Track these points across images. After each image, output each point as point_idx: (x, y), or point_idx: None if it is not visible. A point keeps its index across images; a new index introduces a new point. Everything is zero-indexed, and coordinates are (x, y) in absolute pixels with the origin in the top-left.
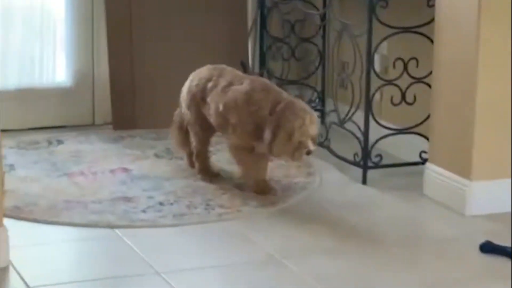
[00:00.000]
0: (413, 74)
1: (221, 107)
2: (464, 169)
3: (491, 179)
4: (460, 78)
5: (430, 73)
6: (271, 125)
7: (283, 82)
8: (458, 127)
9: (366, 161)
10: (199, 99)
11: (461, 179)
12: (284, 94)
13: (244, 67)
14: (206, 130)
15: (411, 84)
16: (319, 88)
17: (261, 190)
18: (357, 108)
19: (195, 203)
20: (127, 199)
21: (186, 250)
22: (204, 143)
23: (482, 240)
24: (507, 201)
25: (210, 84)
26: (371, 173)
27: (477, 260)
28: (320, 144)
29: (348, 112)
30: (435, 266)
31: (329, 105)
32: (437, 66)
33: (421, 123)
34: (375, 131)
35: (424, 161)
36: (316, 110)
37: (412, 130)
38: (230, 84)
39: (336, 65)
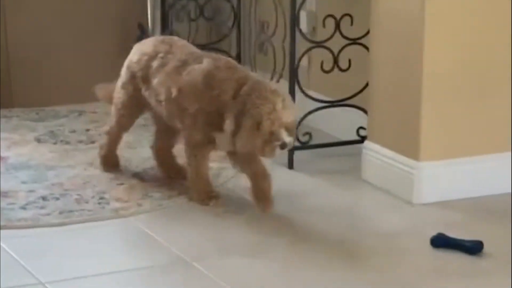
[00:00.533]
0: (347, 35)
1: (174, 92)
2: (410, 148)
3: (443, 159)
4: (403, 39)
5: (367, 33)
6: (233, 112)
7: None
8: (403, 98)
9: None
10: (139, 80)
11: (408, 160)
12: (252, 74)
13: (143, 31)
14: (133, 116)
15: (344, 46)
16: (233, 53)
17: (203, 200)
18: (280, 76)
19: (85, 197)
20: (3, 194)
21: (76, 254)
22: (124, 129)
23: (433, 232)
24: (465, 184)
25: (155, 63)
26: (298, 155)
27: (428, 257)
28: None
29: (270, 81)
30: (378, 265)
31: None
32: (375, 25)
33: (358, 93)
34: (302, 104)
35: (362, 140)
36: None
37: (347, 102)
38: (184, 63)
39: (254, 25)
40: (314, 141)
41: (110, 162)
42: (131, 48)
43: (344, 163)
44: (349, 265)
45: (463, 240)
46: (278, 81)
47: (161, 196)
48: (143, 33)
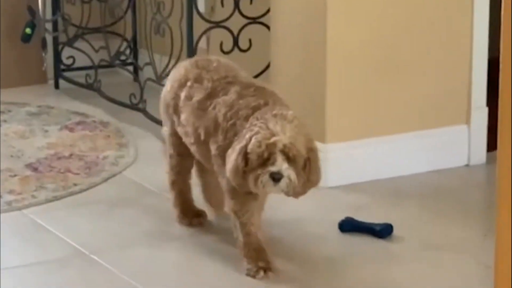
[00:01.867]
0: (246, 14)
1: (202, 135)
2: (316, 131)
3: (350, 140)
4: (305, 18)
5: (268, 11)
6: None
7: (84, 31)
8: (307, 79)
9: None
10: (172, 112)
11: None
12: (277, 100)
13: (32, 14)
14: (185, 156)
15: (244, 26)
16: (129, 36)
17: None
18: (178, 59)
19: None
20: None
21: None
22: (182, 173)
23: (341, 217)
24: (373, 166)
25: (183, 92)
26: None
27: (337, 242)
28: (134, 107)
29: (167, 64)
30: (286, 252)
31: (143, 57)
32: (276, 3)
33: (260, 74)
34: None
35: None
36: (126, 64)
37: None
38: (211, 95)
39: (149, 5)
40: None
41: (190, 215)
42: (20, 32)
43: None
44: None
45: (372, 224)
46: (175, 64)
47: (56, 187)
48: (33, 17)
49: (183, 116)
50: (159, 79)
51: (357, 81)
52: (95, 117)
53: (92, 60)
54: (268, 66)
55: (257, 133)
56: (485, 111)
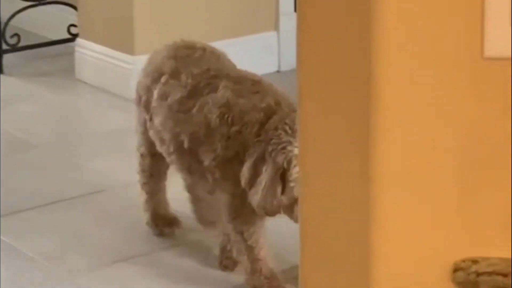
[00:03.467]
0: None
1: (186, 143)
2: (125, 43)
3: None
4: None
5: None
6: (252, 156)
7: None
8: None
9: (0, 44)
10: (143, 109)
11: (123, 56)
12: (287, 100)
13: None
14: (160, 157)
15: None
16: None
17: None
18: None
19: None
20: None
21: None
22: (155, 176)
23: None
24: None
25: (157, 90)
26: (8, 59)
27: None
28: None
29: None
30: (101, 165)
31: None
32: None
33: None
34: (7, 5)
35: (74, 37)
36: None
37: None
38: (192, 92)
39: None
40: (23, 43)
41: (164, 221)
42: None
43: (57, 63)
44: (69, 167)
45: None
46: None
47: None
48: None
49: (157, 120)
50: None
51: None
52: None
53: None
54: None
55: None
56: (293, 17)
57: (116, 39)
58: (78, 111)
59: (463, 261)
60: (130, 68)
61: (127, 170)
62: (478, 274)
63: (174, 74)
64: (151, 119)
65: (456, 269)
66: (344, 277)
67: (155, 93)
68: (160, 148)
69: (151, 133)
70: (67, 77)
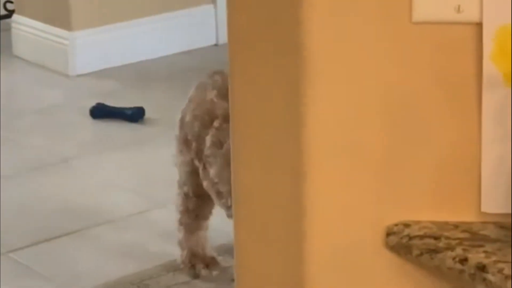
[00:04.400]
0: None
1: None
2: (61, 18)
3: (96, 26)
4: None
5: None
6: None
7: None
8: None
9: None
10: (194, 155)
11: (60, 31)
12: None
13: None
14: (206, 198)
15: None
16: None
17: None
18: None
19: None
20: None
21: None
22: (200, 217)
23: (92, 103)
24: (120, 51)
25: (209, 136)
26: None
27: (89, 128)
28: None
29: None
30: (41, 141)
31: None
32: None
33: None
34: None
35: (10, 14)
36: None
37: None
38: None
39: None
40: None
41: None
42: None
43: None
44: (10, 145)
45: (123, 108)
46: None
47: None
48: None
49: (212, 171)
50: None
51: None
52: None
53: None
54: None
55: None
56: None
57: (53, 15)
58: (15, 87)
59: (396, 225)
60: (67, 43)
61: (66, 146)
62: (410, 238)
63: (228, 117)
64: (204, 168)
65: (388, 234)
66: (278, 248)
67: (208, 140)
68: (218, 202)
69: (205, 184)
70: (4, 53)
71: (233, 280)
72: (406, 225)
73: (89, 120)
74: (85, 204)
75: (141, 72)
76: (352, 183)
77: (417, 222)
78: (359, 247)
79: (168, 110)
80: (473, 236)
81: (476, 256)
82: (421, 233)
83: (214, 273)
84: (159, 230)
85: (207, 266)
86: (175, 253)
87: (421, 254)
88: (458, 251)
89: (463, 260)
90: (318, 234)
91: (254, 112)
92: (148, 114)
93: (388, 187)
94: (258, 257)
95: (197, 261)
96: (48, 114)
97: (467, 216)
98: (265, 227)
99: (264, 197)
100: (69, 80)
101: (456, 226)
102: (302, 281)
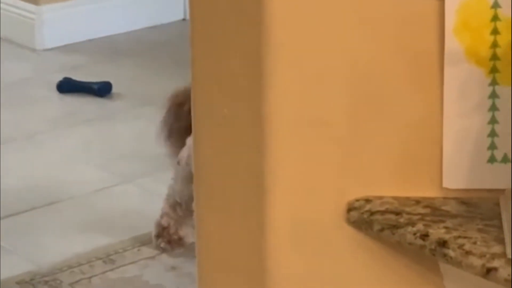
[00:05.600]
0: None
1: None
2: None
3: (63, 1)
4: None
5: None
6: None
7: None
8: None
9: None
10: None
11: (27, 5)
12: None
13: None
14: None
15: None
16: None
17: None
18: None
19: None
20: None
21: None
22: None
23: (59, 78)
24: (87, 26)
25: None
26: None
27: (56, 103)
28: None
29: None
30: (7, 116)
31: None
32: None
33: None
34: None
35: None
36: None
37: None
38: None
39: None
40: None
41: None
42: None
43: None
44: None
45: (91, 83)
46: None
47: None
48: None
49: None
50: None
51: None
52: None
53: None
54: None
55: None
56: None
57: None
58: None
59: (357, 200)
60: (34, 18)
61: (32, 120)
62: (372, 213)
63: None
64: None
65: (350, 209)
66: (239, 221)
67: None
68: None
69: None
70: None
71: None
72: (368, 200)
73: (56, 94)
74: (52, 179)
75: (108, 47)
76: (314, 157)
77: (379, 198)
78: (320, 221)
79: (136, 85)
80: (434, 211)
81: (437, 232)
82: (382, 208)
83: (177, 250)
84: (125, 205)
85: (169, 242)
86: (141, 227)
87: (382, 229)
88: (419, 226)
89: (424, 236)
90: (279, 206)
91: (214, 84)
92: (115, 89)
93: (350, 162)
94: (218, 229)
95: (163, 235)
96: (15, 88)
97: (429, 191)
98: (226, 200)
99: (225, 170)
100: (36, 55)
101: (417, 201)
102: (262, 254)
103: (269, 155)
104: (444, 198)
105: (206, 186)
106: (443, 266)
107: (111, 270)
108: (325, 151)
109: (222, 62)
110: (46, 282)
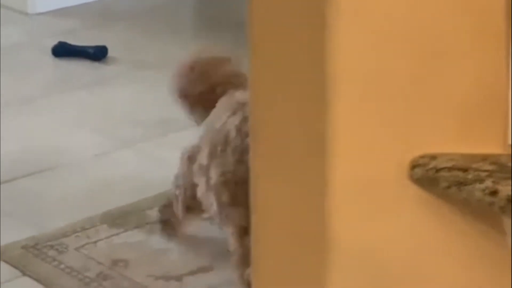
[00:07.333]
0: None
1: None
2: None
3: None
4: None
5: None
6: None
7: None
8: None
9: None
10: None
11: None
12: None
13: None
14: None
15: None
16: None
17: None
18: None
19: None
20: None
21: None
22: None
23: (53, 42)
24: None
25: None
26: None
27: (51, 67)
28: None
29: None
30: (2, 81)
31: None
32: None
33: None
34: None
35: None
36: None
37: None
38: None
39: None
40: None
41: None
42: None
43: None
44: None
45: (86, 47)
46: None
47: None
48: None
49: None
50: None
51: None
52: None
53: None
54: None
55: None
56: None
57: None
58: None
59: (421, 157)
60: None
61: (28, 85)
62: (437, 170)
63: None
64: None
65: (414, 166)
66: (300, 180)
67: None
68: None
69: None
70: None
71: None
72: (433, 157)
73: (51, 59)
74: (50, 144)
75: (102, 11)
76: (377, 114)
77: (444, 155)
78: (382, 180)
79: (131, 49)
80: (502, 168)
81: (506, 189)
82: (449, 165)
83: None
84: (124, 170)
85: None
86: (140, 192)
87: (449, 186)
88: (488, 183)
89: (493, 192)
90: (341, 165)
91: (275, 44)
92: (110, 53)
93: (413, 119)
94: (277, 189)
95: (168, 217)
96: (9, 53)
97: (494, 148)
98: (286, 158)
99: (285, 127)
100: (29, 19)
101: (484, 158)
102: (324, 214)
103: (331, 112)
104: (510, 155)
105: (263, 149)
106: (508, 224)
107: (117, 234)
108: (387, 107)
109: (284, 17)
110: (51, 247)
